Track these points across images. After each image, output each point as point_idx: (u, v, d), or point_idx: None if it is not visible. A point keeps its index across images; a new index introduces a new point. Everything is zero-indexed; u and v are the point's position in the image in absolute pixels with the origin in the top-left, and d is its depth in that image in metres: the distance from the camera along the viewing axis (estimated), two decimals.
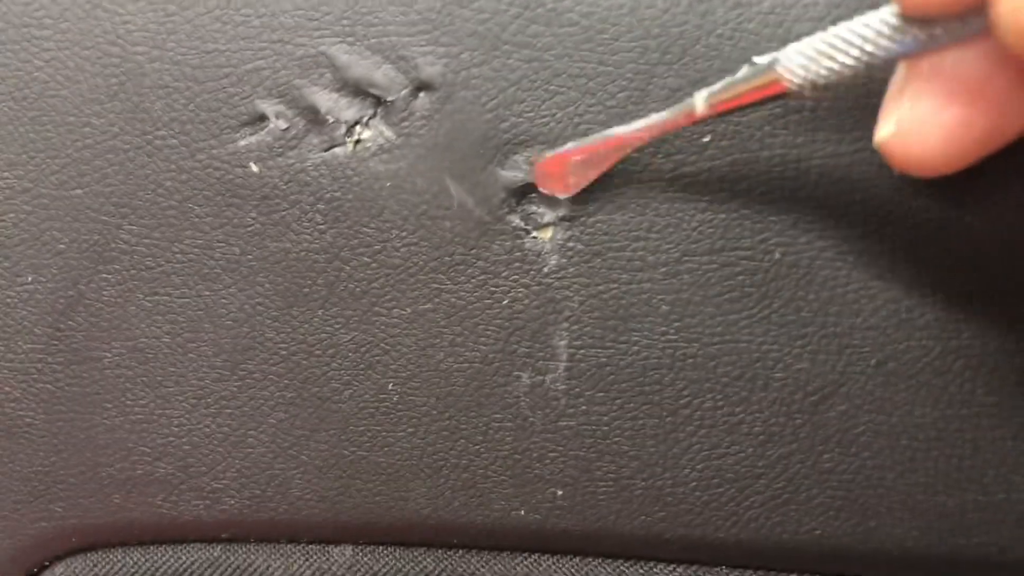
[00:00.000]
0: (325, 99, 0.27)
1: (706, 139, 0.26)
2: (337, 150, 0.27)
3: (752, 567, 0.29)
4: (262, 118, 0.27)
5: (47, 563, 0.32)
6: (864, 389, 0.27)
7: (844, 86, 0.21)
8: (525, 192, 0.27)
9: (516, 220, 0.27)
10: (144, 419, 0.30)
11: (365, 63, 0.27)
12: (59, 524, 0.31)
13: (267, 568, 0.31)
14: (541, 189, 0.26)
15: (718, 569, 0.29)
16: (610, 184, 0.26)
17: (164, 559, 0.31)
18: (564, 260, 0.27)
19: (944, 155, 0.21)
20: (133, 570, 0.31)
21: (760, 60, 0.22)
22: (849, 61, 0.21)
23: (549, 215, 0.27)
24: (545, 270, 0.27)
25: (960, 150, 0.21)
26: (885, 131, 0.22)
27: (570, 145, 0.26)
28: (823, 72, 0.21)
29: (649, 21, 0.25)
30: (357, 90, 0.27)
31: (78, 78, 0.28)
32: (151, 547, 0.32)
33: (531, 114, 0.26)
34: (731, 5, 0.25)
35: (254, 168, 0.28)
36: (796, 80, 0.22)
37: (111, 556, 0.32)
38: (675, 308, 0.27)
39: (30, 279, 0.29)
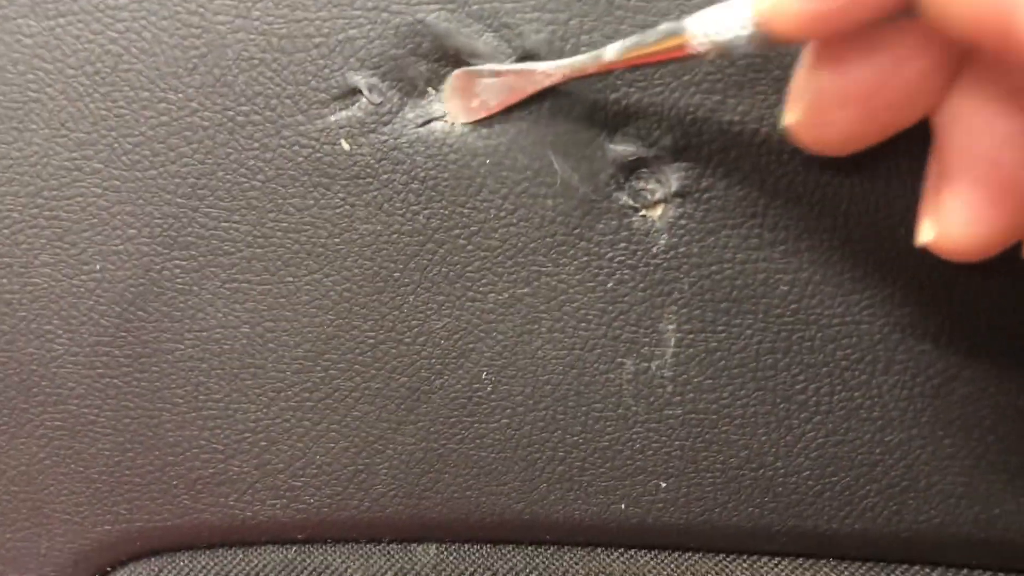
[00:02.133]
0: (423, 70, 0.26)
1: None
2: (435, 125, 0.26)
3: (864, 559, 0.27)
4: (354, 92, 0.26)
5: (109, 568, 0.30)
6: (988, 372, 0.26)
7: (746, 53, 0.21)
8: (635, 168, 0.26)
9: (624, 198, 0.26)
10: (217, 414, 0.28)
11: (466, 31, 0.25)
12: (123, 527, 0.29)
13: (345, 569, 0.29)
14: (444, 106, 0.26)
15: (824, 562, 0.28)
16: (727, 158, 0.25)
17: (234, 562, 0.30)
18: (675, 240, 0.26)
19: (848, 142, 0.22)
20: (201, 574, 0.30)
21: (669, 25, 0.22)
22: (745, 31, 0.21)
23: (660, 191, 0.26)
24: (654, 250, 0.26)
25: (864, 137, 0.22)
26: (791, 118, 0.22)
27: (486, 66, 0.25)
28: (724, 39, 0.21)
29: None
30: (458, 60, 0.25)
31: (154, 50, 0.26)
32: (220, 549, 0.30)
33: (643, 83, 0.25)
34: None
35: (345, 145, 0.26)
36: (701, 46, 0.22)
37: (177, 560, 0.30)
38: (793, 289, 0.26)
39: (98, 267, 0.27)
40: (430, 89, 0.26)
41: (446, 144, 0.26)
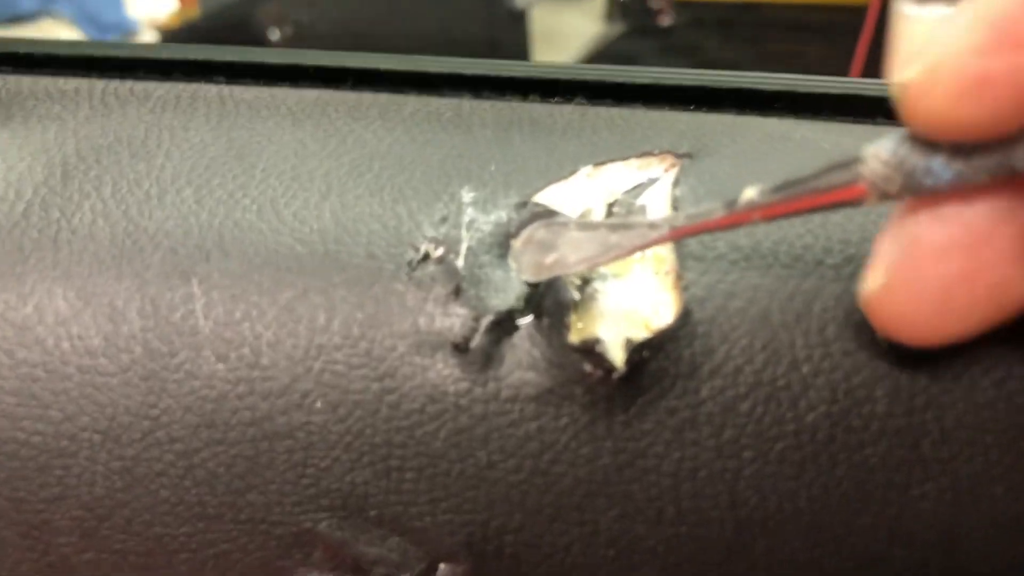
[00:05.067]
0: None
1: None
2: None
3: None
4: None
5: None
6: None
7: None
8: None
9: None
10: None
11: (366, 537, 0.21)
12: None
13: None
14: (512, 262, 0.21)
15: None
16: None
17: None
18: None
19: (937, 317, 0.18)
20: None
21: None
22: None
23: None
24: None
25: (956, 314, 0.18)
26: (873, 283, 0.19)
27: (574, 217, 0.21)
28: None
29: None
30: (357, 567, 0.21)
31: None
32: None
33: None
34: None
35: None
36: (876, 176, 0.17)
37: None
38: None
39: None
40: None
41: None
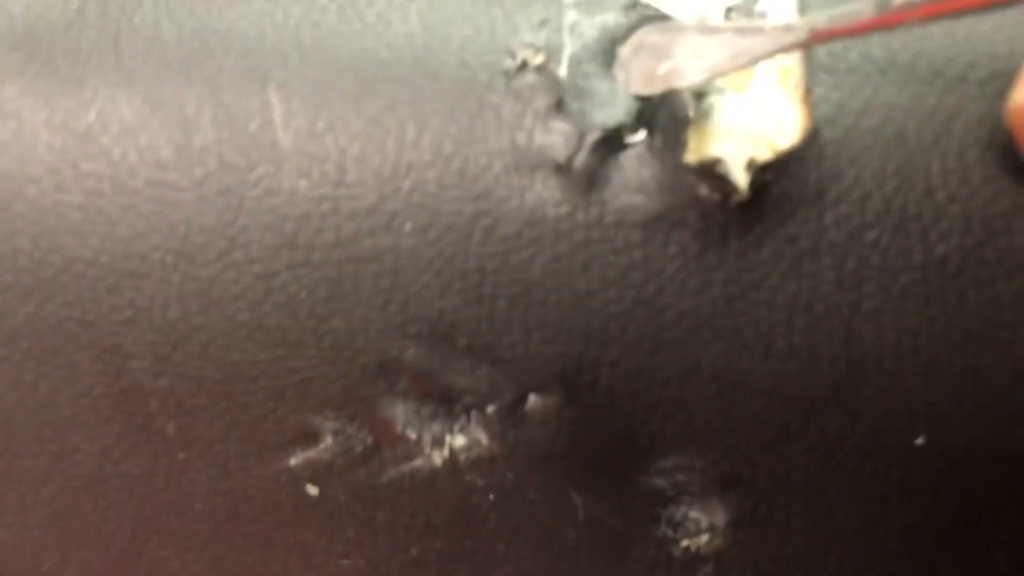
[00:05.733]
0: (401, 411, 0.20)
1: None
2: (418, 462, 0.21)
3: None
4: (315, 436, 0.20)
5: None
6: None
7: None
8: (674, 497, 0.21)
9: (662, 529, 0.21)
10: None
11: (455, 367, 0.20)
12: None
13: None
14: (621, 71, 0.18)
15: None
16: (787, 488, 0.20)
17: None
18: (722, 569, 0.21)
19: None
20: None
21: None
22: None
23: (705, 520, 0.21)
24: None
25: None
26: (1021, 98, 0.17)
27: (693, 21, 0.18)
28: None
29: None
30: (445, 396, 0.20)
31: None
32: None
33: (682, 415, 0.20)
34: None
35: (312, 490, 0.21)
36: None
37: None
38: None
39: None
40: (409, 432, 0.20)
41: (438, 483, 0.21)
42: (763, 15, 0.19)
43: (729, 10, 0.19)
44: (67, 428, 0.21)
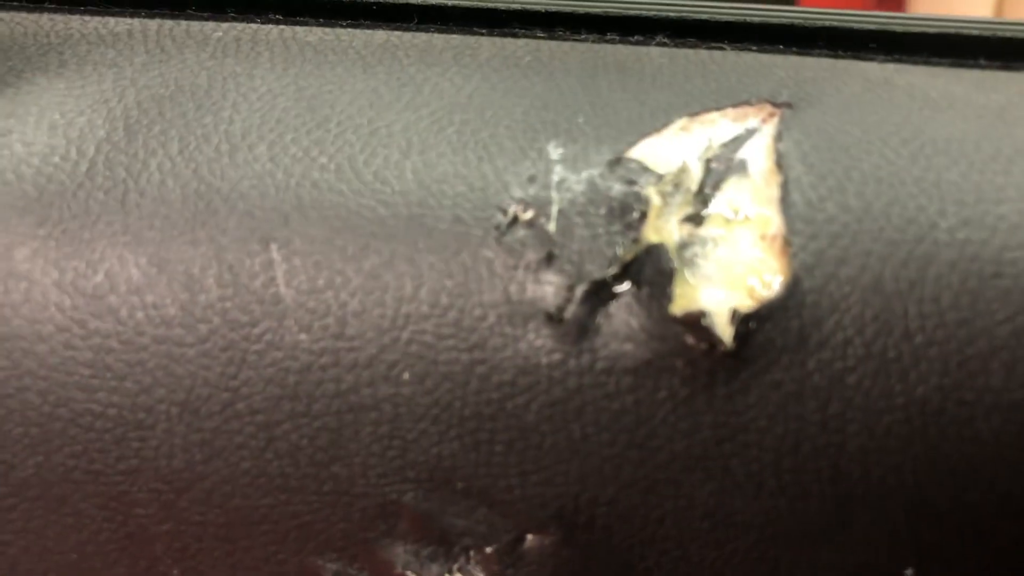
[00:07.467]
0: (400, 552, 0.21)
1: None
2: None
3: None
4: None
5: None
6: None
7: None
8: None
9: None
10: None
11: (453, 509, 0.20)
12: None
13: None
14: None
15: None
16: None
17: None
18: None
19: None
20: None
21: None
22: None
23: None
24: None
25: None
26: None
27: None
28: None
29: None
30: (443, 538, 0.20)
31: None
32: None
33: (678, 552, 0.20)
34: None
35: None
36: None
37: None
38: None
39: None
40: (409, 573, 0.21)
41: None
42: (743, 164, 0.20)
43: (708, 161, 0.20)
44: (73, 573, 0.21)
